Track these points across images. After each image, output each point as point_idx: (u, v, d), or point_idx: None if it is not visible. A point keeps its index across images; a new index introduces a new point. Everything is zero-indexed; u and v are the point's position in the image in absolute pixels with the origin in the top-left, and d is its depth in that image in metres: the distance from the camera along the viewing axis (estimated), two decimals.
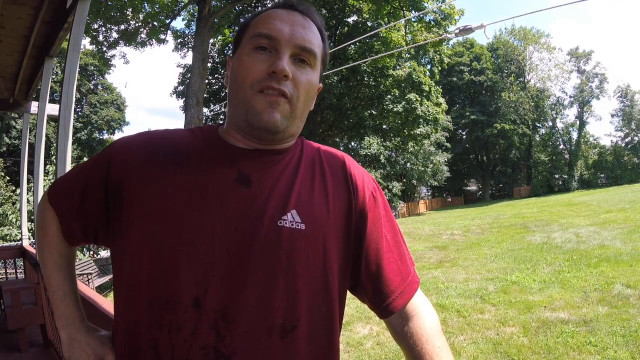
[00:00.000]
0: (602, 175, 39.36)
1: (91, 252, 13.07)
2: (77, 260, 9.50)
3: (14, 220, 15.01)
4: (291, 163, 0.76)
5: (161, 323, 0.63)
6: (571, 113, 59.83)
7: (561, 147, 41.88)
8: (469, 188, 47.56)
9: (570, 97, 42.22)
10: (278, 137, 0.74)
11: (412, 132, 19.81)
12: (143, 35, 14.94)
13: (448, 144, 34.84)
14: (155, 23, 14.70)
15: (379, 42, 17.22)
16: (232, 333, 0.62)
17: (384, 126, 21.50)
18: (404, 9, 14.49)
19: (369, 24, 18.52)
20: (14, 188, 17.09)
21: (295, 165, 0.76)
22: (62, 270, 0.83)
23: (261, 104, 0.69)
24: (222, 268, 0.64)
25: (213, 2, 11.89)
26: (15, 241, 12.93)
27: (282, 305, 0.65)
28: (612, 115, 43.22)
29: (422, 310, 0.79)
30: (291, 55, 0.72)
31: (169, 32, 15.79)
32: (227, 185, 0.69)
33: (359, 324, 5.10)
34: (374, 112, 19.76)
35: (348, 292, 0.80)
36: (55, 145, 2.72)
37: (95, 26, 14.08)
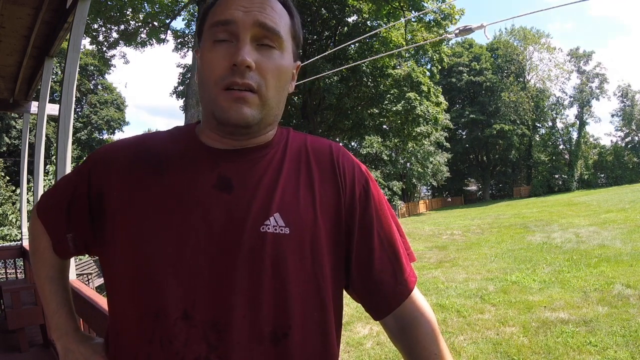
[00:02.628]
0: (602, 175, 39.39)
1: None
2: (77, 260, 9.51)
3: (14, 220, 15.02)
4: (274, 160, 0.72)
5: (152, 336, 0.62)
6: (571, 113, 59.95)
7: (561, 147, 41.90)
8: (469, 188, 47.56)
9: (570, 97, 42.29)
10: (253, 130, 0.70)
11: (412, 132, 19.79)
12: (143, 35, 14.95)
13: (448, 144, 34.85)
14: (155, 23, 14.71)
15: (379, 42, 17.23)
16: (224, 343, 0.61)
17: (384, 126, 21.49)
18: (404, 9, 14.50)
19: (369, 23, 18.52)
20: (14, 188, 17.10)
21: (279, 162, 0.72)
22: (55, 281, 0.82)
23: (227, 101, 0.65)
24: (208, 279, 0.63)
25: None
26: (15, 241, 12.94)
27: (271, 312, 0.64)
28: (613, 115, 43.35)
29: (418, 313, 0.74)
30: (253, 39, 0.67)
31: (169, 32, 15.81)
32: (208, 192, 0.67)
33: (359, 324, 5.10)
34: (375, 111, 19.76)
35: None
36: (55, 145, 2.72)
37: (95, 26, 14.09)
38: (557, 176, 39.58)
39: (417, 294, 0.76)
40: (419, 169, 31.15)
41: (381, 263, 0.73)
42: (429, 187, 43.04)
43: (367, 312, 0.78)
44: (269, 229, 0.65)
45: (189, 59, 21.97)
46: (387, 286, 0.73)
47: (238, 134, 0.70)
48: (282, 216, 0.67)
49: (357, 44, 17.93)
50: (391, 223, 0.77)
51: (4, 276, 5.83)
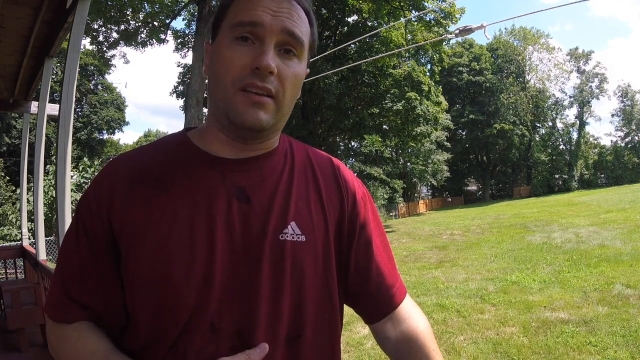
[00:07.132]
0: (603, 175, 39.37)
1: None
2: None
3: (14, 220, 15.03)
4: (285, 170, 0.73)
5: (179, 348, 0.62)
6: (571, 113, 59.90)
7: (561, 147, 41.88)
8: (469, 188, 47.58)
9: (570, 97, 42.28)
10: (264, 134, 0.70)
11: (412, 132, 19.78)
12: (143, 35, 14.95)
13: (448, 144, 34.82)
14: (155, 23, 14.71)
15: (379, 42, 17.21)
16: (246, 347, 0.63)
17: (384, 126, 21.47)
18: (404, 8, 14.50)
19: (369, 23, 18.50)
20: (14, 188, 17.11)
21: (290, 172, 0.73)
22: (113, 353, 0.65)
23: (244, 104, 0.64)
24: (233, 291, 0.63)
25: (213, 2, 11.89)
26: (15, 241, 12.94)
27: (288, 316, 0.66)
28: (613, 115, 43.33)
29: (415, 313, 0.79)
30: (276, 45, 0.66)
31: (169, 32, 15.81)
32: (227, 203, 0.66)
33: (359, 324, 5.09)
34: (375, 111, 19.73)
35: None
36: (55, 145, 2.72)
37: (95, 26, 14.09)
38: (557, 176, 39.58)
39: (409, 298, 0.82)
40: (420, 166, 31.13)
41: (380, 266, 0.78)
42: (429, 187, 43.06)
43: (363, 316, 0.81)
44: (287, 237, 0.68)
45: (189, 59, 21.94)
46: (386, 287, 0.78)
47: (249, 138, 0.69)
48: (297, 224, 0.69)
49: (357, 44, 17.90)
50: (384, 233, 0.83)
51: (4, 276, 5.83)
